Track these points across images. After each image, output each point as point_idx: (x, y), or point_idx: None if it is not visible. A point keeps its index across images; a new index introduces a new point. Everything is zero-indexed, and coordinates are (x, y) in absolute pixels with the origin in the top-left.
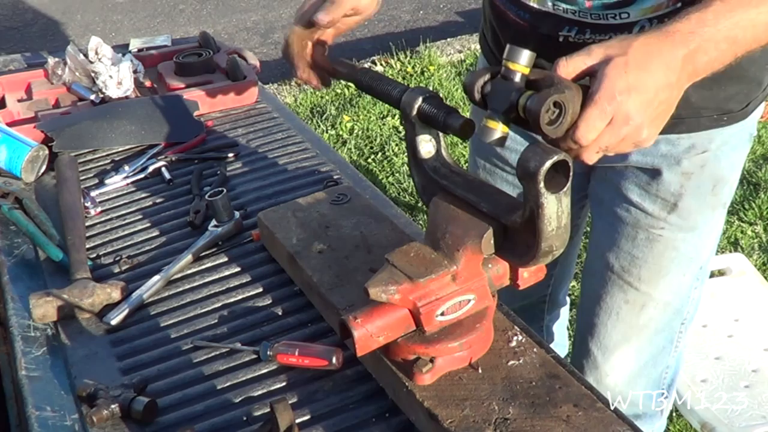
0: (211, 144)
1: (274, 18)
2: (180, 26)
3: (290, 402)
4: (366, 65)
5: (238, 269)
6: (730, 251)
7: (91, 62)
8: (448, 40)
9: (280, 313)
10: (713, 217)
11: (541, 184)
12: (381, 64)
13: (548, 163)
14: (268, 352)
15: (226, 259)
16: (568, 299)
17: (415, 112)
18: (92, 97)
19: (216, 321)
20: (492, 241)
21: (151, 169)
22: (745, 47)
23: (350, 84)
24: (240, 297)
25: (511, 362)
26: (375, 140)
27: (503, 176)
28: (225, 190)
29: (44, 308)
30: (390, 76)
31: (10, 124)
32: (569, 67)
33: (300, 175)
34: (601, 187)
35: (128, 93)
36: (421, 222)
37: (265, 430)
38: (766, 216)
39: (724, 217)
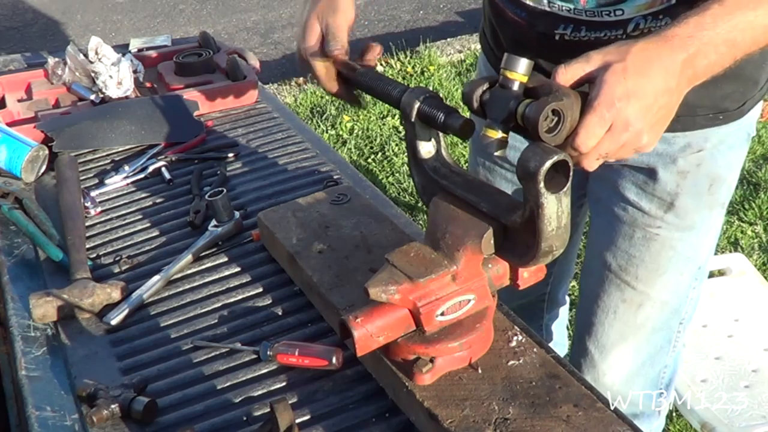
0: (211, 144)
1: (274, 18)
2: (180, 26)
3: (290, 402)
4: None
5: (238, 269)
6: (730, 251)
7: (91, 62)
8: (448, 40)
9: (280, 313)
10: (711, 216)
11: (541, 184)
12: (381, 64)
13: (548, 164)
14: (268, 352)
15: (226, 259)
16: (567, 298)
17: (415, 112)
18: (92, 97)
19: (216, 321)
20: (492, 241)
21: (151, 169)
22: (744, 50)
23: None
24: (240, 297)
25: (511, 362)
26: (375, 140)
27: (503, 174)
28: (225, 190)
29: (44, 308)
30: (390, 76)
31: (10, 124)
32: (568, 74)
33: (300, 175)
34: (598, 186)
35: (128, 93)
36: (421, 222)
37: (265, 430)
38: (766, 216)
39: (722, 216)
